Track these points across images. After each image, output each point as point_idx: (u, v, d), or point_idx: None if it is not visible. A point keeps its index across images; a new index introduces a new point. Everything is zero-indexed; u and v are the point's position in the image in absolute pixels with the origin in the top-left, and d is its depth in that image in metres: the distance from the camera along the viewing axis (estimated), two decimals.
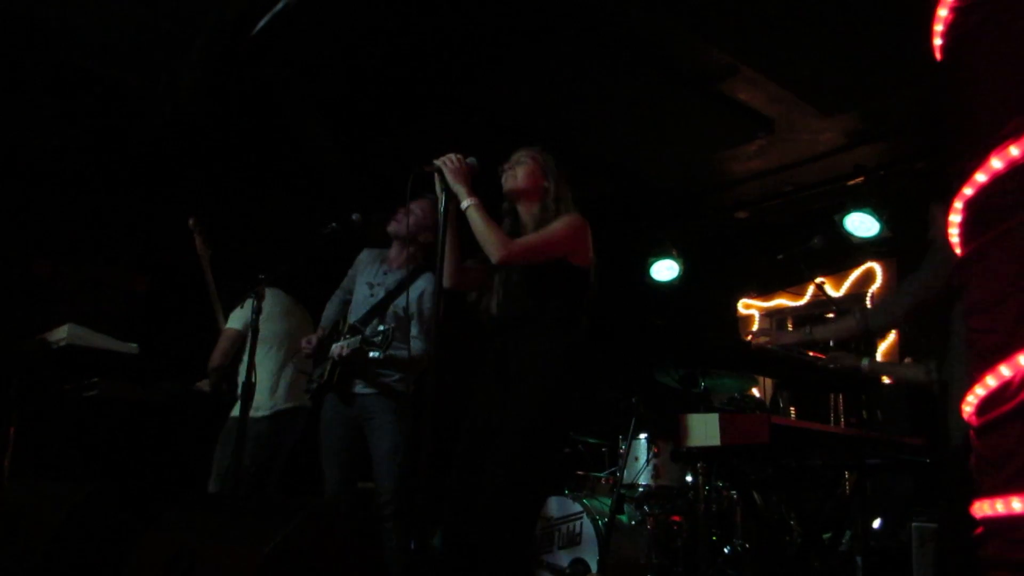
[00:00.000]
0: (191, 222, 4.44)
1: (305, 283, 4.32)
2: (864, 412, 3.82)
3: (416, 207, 3.61)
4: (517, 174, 2.76)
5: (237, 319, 4.10)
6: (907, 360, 4.34)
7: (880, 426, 3.76)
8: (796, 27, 4.19)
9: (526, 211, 2.78)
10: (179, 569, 2.09)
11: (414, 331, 3.57)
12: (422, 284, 3.62)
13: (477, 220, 2.59)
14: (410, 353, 3.48)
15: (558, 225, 2.67)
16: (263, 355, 4.06)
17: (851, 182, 5.59)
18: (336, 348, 3.52)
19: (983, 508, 1.21)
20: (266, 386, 4.06)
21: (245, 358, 4.04)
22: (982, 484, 1.22)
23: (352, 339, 3.49)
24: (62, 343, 4.32)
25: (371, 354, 3.40)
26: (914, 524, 3.49)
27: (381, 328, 3.38)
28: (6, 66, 4.59)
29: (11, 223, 5.00)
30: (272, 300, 4.18)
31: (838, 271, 6.06)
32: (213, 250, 4.44)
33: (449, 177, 2.58)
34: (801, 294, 6.16)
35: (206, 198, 5.32)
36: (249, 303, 3.97)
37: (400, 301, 3.58)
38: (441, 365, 2.47)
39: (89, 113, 4.99)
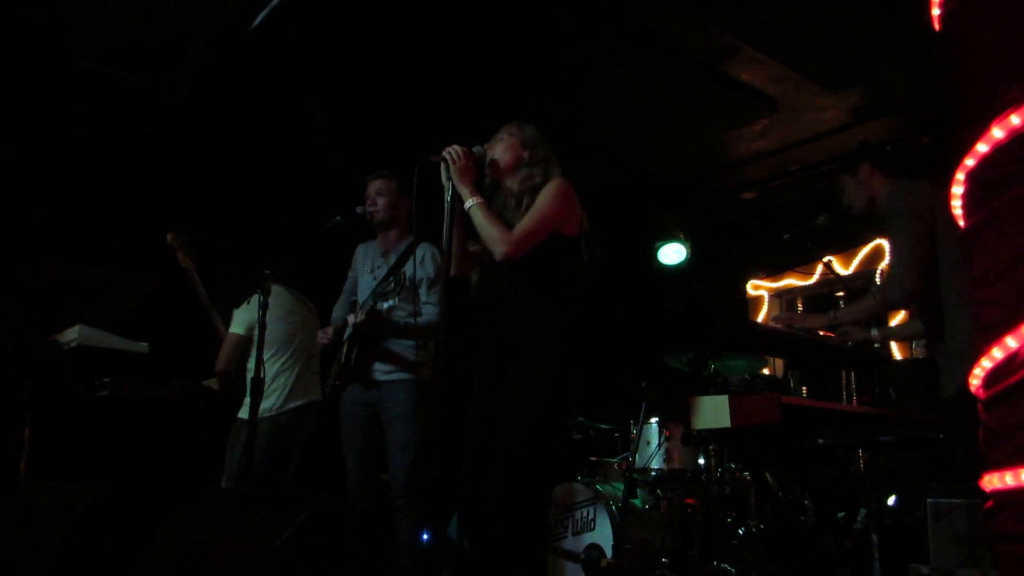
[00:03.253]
0: (169, 238, 4.40)
1: (311, 278, 4.33)
2: (877, 389, 3.80)
3: (379, 191, 3.68)
4: (496, 152, 2.76)
5: (240, 323, 4.07)
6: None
7: (893, 403, 3.74)
8: (796, 4, 4.16)
9: (510, 184, 2.78)
10: (193, 564, 2.10)
11: (424, 297, 3.57)
12: (421, 251, 3.62)
13: (480, 219, 2.62)
14: (424, 319, 3.49)
15: (546, 199, 2.66)
16: (272, 353, 4.07)
17: None
18: (350, 318, 3.54)
19: (992, 481, 1.20)
20: (271, 386, 4.02)
21: (253, 354, 4.06)
22: (991, 457, 1.21)
23: (363, 309, 3.50)
24: (73, 344, 4.34)
25: (385, 304, 3.39)
26: (929, 500, 3.48)
27: (391, 279, 3.38)
28: (12, 69, 4.60)
29: (20, 225, 5.02)
30: (274, 301, 4.17)
31: (846, 249, 6.03)
32: (198, 262, 4.41)
33: (454, 177, 2.61)
34: (810, 273, 6.14)
35: (211, 195, 5.34)
36: (253, 303, 4.00)
37: (405, 272, 3.59)
38: (451, 344, 2.47)
39: (94, 114, 5.01)
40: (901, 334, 4.10)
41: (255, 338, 4.04)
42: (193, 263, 4.38)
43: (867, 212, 3.40)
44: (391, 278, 3.37)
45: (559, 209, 2.66)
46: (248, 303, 3.95)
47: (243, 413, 4.01)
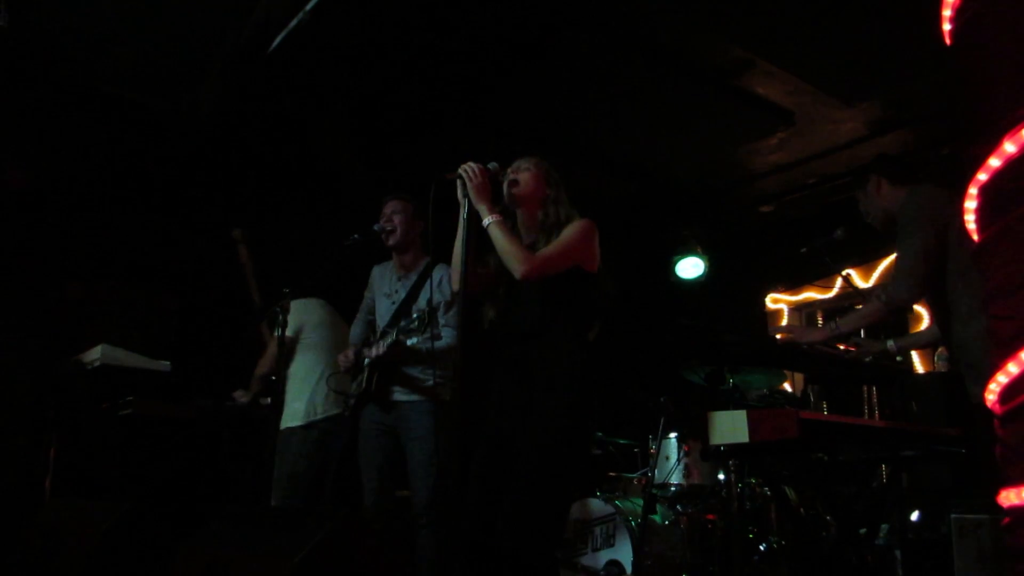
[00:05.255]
0: (236, 233, 4.49)
1: (332, 295, 4.37)
2: (898, 404, 3.76)
3: (395, 210, 3.71)
4: (520, 181, 2.77)
5: (287, 326, 4.14)
6: (940, 350, 4.30)
7: (915, 417, 3.70)
8: (810, 18, 4.16)
9: (528, 217, 2.80)
10: None
11: (443, 321, 3.59)
12: (438, 274, 3.65)
13: (499, 236, 2.62)
14: (443, 342, 3.51)
15: (573, 233, 2.67)
16: (311, 362, 4.15)
17: None
18: (372, 351, 3.56)
19: (1010, 497, 1.20)
20: (313, 393, 4.12)
21: (296, 361, 4.13)
22: (1008, 473, 1.21)
23: (385, 340, 3.52)
24: (96, 363, 4.40)
25: (409, 342, 3.42)
26: (953, 516, 3.43)
27: (415, 315, 3.41)
28: (36, 92, 4.69)
29: (44, 246, 5.10)
30: (319, 309, 4.29)
31: (866, 262, 5.98)
32: (256, 262, 4.50)
33: (472, 194, 2.60)
34: (830, 286, 6.10)
35: (233, 215, 5.40)
36: (291, 309, 4.09)
37: (423, 296, 3.61)
38: (468, 373, 2.47)
39: (117, 136, 5.09)
40: (919, 342, 4.05)
41: (301, 342, 4.17)
42: (252, 261, 4.46)
43: (884, 222, 3.37)
44: (415, 316, 3.39)
45: (583, 246, 2.69)
46: (291, 308, 4.05)
47: (286, 423, 4.10)
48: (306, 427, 4.07)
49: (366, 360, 3.59)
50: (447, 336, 3.53)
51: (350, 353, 3.70)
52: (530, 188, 2.78)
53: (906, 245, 3.10)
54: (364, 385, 3.57)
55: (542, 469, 2.48)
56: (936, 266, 3.01)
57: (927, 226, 3.03)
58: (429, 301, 3.45)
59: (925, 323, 5.51)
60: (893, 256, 5.84)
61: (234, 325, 5.07)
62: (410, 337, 3.40)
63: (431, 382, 3.56)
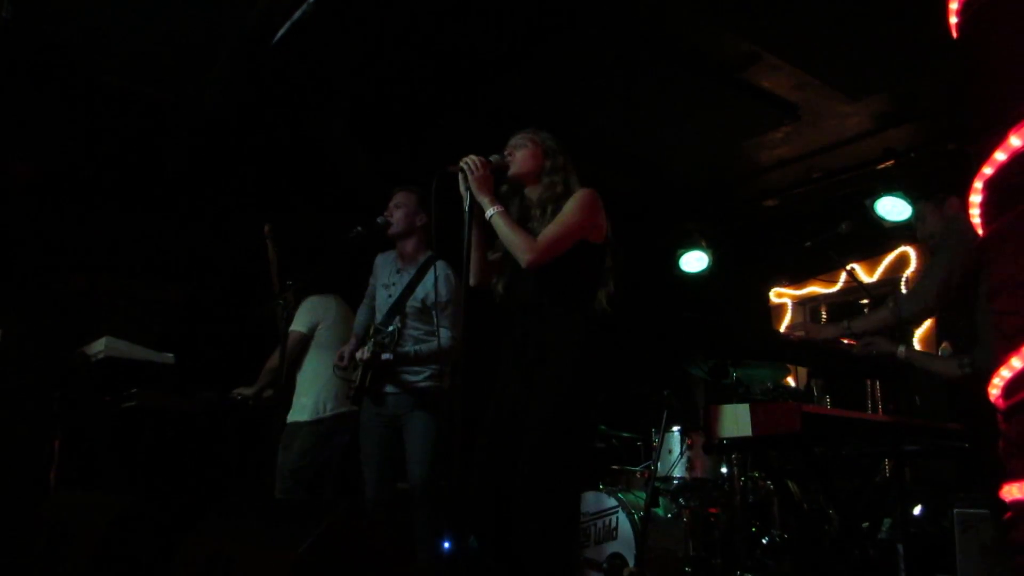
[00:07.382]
0: (266, 229, 4.49)
1: (337, 287, 4.38)
2: (901, 398, 3.76)
3: (397, 203, 3.73)
4: (517, 159, 2.77)
5: (301, 322, 4.18)
6: (944, 345, 4.29)
7: (918, 412, 3.70)
8: (816, 11, 4.15)
9: (531, 192, 2.79)
10: (217, 572, 2.13)
11: (439, 320, 3.60)
12: (437, 271, 3.66)
13: (503, 227, 2.62)
14: (440, 344, 3.52)
15: (573, 207, 2.66)
16: (324, 359, 4.14)
17: (881, 166, 5.51)
18: (359, 354, 3.60)
19: (1012, 492, 1.19)
20: (322, 390, 4.13)
21: (310, 358, 4.17)
22: (1011, 467, 1.21)
23: (369, 343, 3.58)
24: (100, 355, 4.40)
25: (383, 356, 3.48)
26: (956, 510, 3.44)
27: (390, 329, 3.46)
28: (40, 84, 4.70)
29: (48, 238, 5.11)
30: (334, 307, 4.30)
31: (871, 256, 5.97)
32: (280, 257, 4.50)
33: (473, 187, 2.61)
34: (834, 281, 6.08)
35: (236, 207, 5.40)
36: (308, 305, 4.11)
37: (418, 294, 3.63)
38: (470, 355, 2.48)
39: (121, 128, 5.09)
40: (926, 365, 4.03)
41: (315, 339, 4.21)
42: (276, 257, 4.46)
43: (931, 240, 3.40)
44: (389, 330, 3.47)
45: (585, 219, 2.66)
46: (309, 305, 4.12)
47: (293, 417, 4.13)
48: (313, 423, 4.09)
49: (359, 357, 3.62)
50: (443, 336, 3.54)
51: (345, 352, 3.71)
52: (528, 165, 2.77)
53: (933, 268, 3.15)
54: (358, 383, 3.60)
55: (542, 452, 2.48)
56: (957, 294, 3.02)
57: (957, 255, 3.04)
58: (435, 298, 3.48)
59: (928, 322, 5.50)
60: (898, 251, 5.88)
61: (238, 318, 5.08)
62: (384, 351, 3.46)
63: (426, 374, 3.59)
